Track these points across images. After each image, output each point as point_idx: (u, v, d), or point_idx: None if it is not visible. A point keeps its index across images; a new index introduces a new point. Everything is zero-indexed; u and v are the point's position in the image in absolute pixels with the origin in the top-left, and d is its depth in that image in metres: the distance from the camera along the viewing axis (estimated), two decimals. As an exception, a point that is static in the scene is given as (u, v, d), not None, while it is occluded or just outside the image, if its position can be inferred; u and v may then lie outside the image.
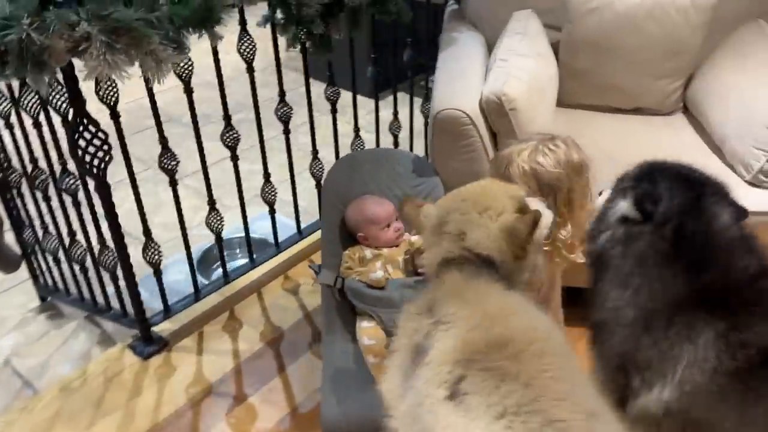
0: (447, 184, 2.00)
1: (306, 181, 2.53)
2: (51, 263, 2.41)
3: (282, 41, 2.08)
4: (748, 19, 2.24)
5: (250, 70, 2.11)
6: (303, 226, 2.58)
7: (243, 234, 2.47)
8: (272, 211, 2.40)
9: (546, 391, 1.01)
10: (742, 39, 2.20)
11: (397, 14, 2.26)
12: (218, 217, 2.20)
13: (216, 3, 1.72)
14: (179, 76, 1.89)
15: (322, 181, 2.44)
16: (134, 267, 2.03)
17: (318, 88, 2.35)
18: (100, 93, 1.75)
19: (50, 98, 1.77)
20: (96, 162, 1.77)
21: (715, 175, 1.33)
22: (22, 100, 1.91)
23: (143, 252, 2.04)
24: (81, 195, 1.96)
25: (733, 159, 1.98)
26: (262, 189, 2.33)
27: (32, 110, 1.92)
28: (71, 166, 1.92)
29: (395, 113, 2.71)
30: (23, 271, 2.54)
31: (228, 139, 2.12)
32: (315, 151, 2.45)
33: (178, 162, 1.98)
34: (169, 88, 1.69)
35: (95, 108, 1.76)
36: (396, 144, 2.78)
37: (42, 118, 1.93)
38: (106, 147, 1.77)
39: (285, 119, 2.27)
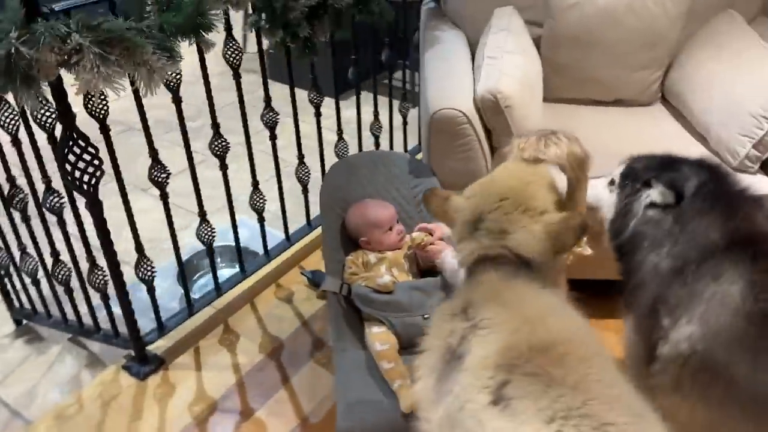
0: (444, 183, 1.99)
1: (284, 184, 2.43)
2: (29, 285, 2.30)
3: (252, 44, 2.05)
4: (721, 9, 2.31)
5: (237, 75, 2.06)
6: (290, 232, 2.54)
7: (222, 243, 2.42)
8: (261, 219, 2.35)
9: (594, 395, 1.01)
10: (716, 29, 2.26)
11: (379, 14, 2.25)
12: (209, 228, 2.14)
13: (207, 8, 1.67)
14: (167, 86, 1.83)
15: (305, 185, 2.45)
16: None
17: (279, 90, 2.27)
18: (89, 106, 1.67)
19: (34, 113, 1.68)
20: (86, 178, 1.70)
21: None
22: (-2, 115, 1.82)
23: (136, 268, 1.97)
24: (66, 213, 1.88)
25: (718, 146, 2.03)
26: (250, 197, 2.28)
27: (10, 127, 1.83)
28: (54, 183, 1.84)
29: (376, 114, 2.69)
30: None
31: (217, 148, 2.06)
32: (300, 156, 2.41)
33: (168, 174, 1.92)
34: (122, 96, 1.60)
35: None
36: (377, 145, 2.76)
37: (22, 134, 1.83)
38: (96, 162, 1.70)
39: (271, 125, 2.23)
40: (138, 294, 2.09)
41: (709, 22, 2.31)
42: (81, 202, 1.77)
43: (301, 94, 2.28)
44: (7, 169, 1.98)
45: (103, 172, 1.71)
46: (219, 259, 2.92)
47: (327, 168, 2.49)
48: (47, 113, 1.68)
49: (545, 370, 1.04)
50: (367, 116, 2.64)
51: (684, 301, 1.34)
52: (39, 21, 1.45)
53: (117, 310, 2.02)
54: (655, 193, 1.42)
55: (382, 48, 2.60)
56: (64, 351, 2.27)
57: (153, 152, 1.87)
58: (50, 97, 1.60)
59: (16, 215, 2.05)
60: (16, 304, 2.45)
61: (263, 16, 1.97)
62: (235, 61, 2.02)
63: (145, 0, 1.64)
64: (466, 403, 1.10)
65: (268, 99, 2.20)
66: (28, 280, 2.27)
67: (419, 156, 2.59)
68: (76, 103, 1.62)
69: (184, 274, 2.16)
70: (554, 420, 0.99)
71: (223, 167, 2.11)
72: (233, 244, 2.45)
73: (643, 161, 1.54)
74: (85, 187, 1.71)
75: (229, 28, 1.97)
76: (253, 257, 2.53)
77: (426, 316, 1.73)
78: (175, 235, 2.06)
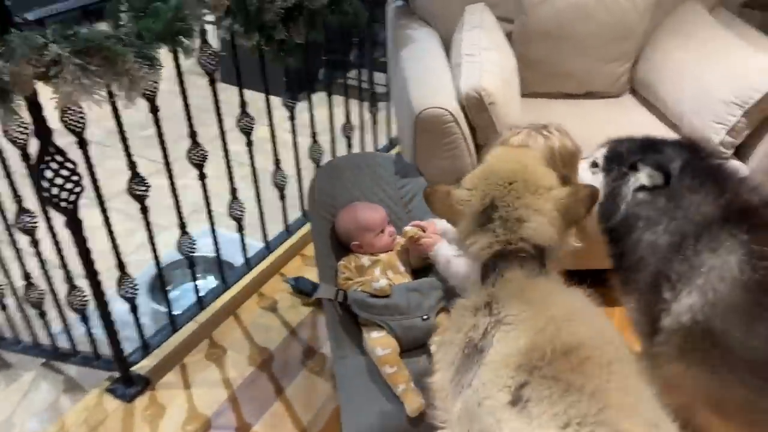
0: (431, 182, 1.97)
1: (246, 190, 2.31)
2: (-5, 310, 2.18)
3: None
4: (685, 1, 2.38)
5: (212, 81, 1.99)
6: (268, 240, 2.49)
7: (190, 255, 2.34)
8: (240, 228, 2.28)
9: (611, 402, 1.00)
10: (681, 20, 2.33)
11: (354, 14, 2.22)
12: (189, 241, 2.07)
13: (187, 13, 1.61)
14: (144, 95, 1.75)
15: (282, 191, 2.40)
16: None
17: (233, 93, 2.13)
18: (66, 120, 1.59)
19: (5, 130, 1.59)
20: (65, 195, 1.61)
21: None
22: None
23: (118, 286, 1.88)
24: (40, 234, 1.78)
25: (692, 134, 2.09)
26: (229, 205, 2.21)
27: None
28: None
29: (347, 114, 2.66)
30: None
31: (194, 156, 1.99)
32: (277, 161, 2.36)
33: (148, 187, 1.84)
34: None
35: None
36: (350, 146, 2.73)
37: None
38: (75, 178, 1.61)
39: (247, 131, 2.17)
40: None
41: (673, 14, 2.37)
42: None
43: (253, 96, 2.16)
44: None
45: (82, 189, 1.63)
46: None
47: (302, 172, 2.49)
48: (20, 128, 1.58)
49: (564, 375, 1.03)
50: (327, 117, 2.56)
51: (684, 275, 1.38)
52: (12, 32, 1.36)
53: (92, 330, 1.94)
54: (643, 176, 1.46)
55: (342, 48, 2.57)
56: (38, 377, 2.17)
57: (132, 165, 1.79)
58: (24, 112, 1.51)
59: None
60: (-21, 331, 2.32)
61: (237, 19, 1.91)
62: (210, 66, 1.96)
63: (119, 7, 1.58)
64: (485, 400, 1.09)
65: (243, 104, 2.14)
66: (-6, 305, 2.16)
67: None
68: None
69: (166, 290, 2.08)
70: (569, 426, 0.99)
71: (202, 176, 2.04)
72: (205, 254, 2.38)
73: (625, 144, 1.58)
74: (64, 204, 1.62)
75: (203, 32, 1.91)
76: (228, 267, 2.46)
77: (425, 317, 1.72)
78: (156, 249, 1.98)
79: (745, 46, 2.13)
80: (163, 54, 1.60)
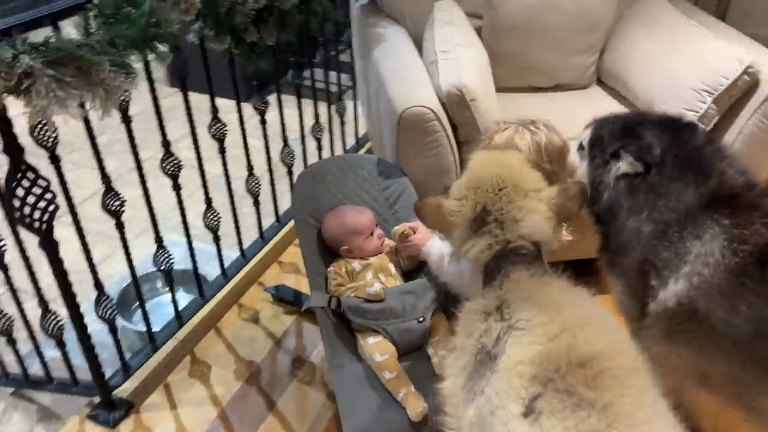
0: (415, 182, 1.96)
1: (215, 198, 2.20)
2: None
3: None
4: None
5: (184, 88, 1.91)
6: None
7: (153, 268, 2.16)
8: (216, 239, 2.20)
9: (622, 417, 1.00)
10: (645, 10, 2.37)
11: (323, 14, 2.18)
12: (166, 255, 1.98)
13: (163, 18, 1.53)
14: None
15: (256, 197, 2.33)
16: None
17: (180, 97, 1.97)
18: (38, 135, 1.49)
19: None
20: (38, 215, 1.52)
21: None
22: None
23: (96, 307, 1.79)
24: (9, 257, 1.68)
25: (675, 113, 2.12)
26: (204, 215, 2.13)
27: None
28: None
29: (316, 116, 2.61)
30: None
31: (169, 167, 1.91)
32: (250, 167, 2.29)
33: (123, 201, 1.75)
34: (15, 115, 1.41)
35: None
36: (320, 148, 2.68)
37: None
38: (49, 196, 1.52)
39: (220, 137, 2.09)
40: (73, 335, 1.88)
41: (635, 4, 2.41)
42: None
43: (201, 98, 2.03)
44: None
45: (57, 207, 1.53)
46: (159, 283, 2.75)
47: (274, 176, 2.42)
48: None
49: (578, 388, 1.02)
50: (292, 119, 2.46)
51: (670, 263, 1.41)
52: (-22, 44, 1.27)
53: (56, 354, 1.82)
54: (623, 165, 1.47)
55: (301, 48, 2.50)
56: (9, 408, 2.05)
57: (106, 179, 1.70)
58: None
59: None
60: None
61: (207, 22, 1.84)
62: (181, 73, 1.88)
63: (87, 13, 1.49)
64: (498, 409, 1.08)
65: (215, 110, 2.06)
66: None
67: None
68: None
69: (145, 307, 1.99)
70: None
71: (177, 187, 1.96)
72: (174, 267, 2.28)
73: (607, 127, 1.58)
74: (37, 224, 1.53)
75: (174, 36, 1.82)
76: (200, 279, 2.37)
77: (421, 319, 1.70)
78: (133, 266, 1.89)
79: (708, 34, 2.18)
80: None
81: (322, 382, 1.99)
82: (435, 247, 1.74)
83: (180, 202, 1.99)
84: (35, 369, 2.01)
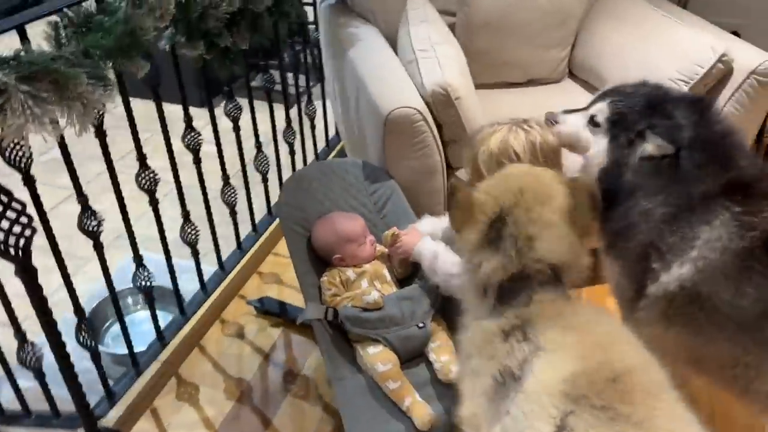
0: (402, 184, 1.92)
1: (170, 209, 2.07)
2: None
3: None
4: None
5: (157, 98, 1.82)
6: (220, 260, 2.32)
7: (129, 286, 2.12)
8: (195, 253, 2.11)
9: (657, 431, 0.99)
10: (613, 2, 2.39)
11: (296, 15, 2.11)
12: (146, 274, 1.89)
13: (138, 26, 1.44)
14: (89, 119, 1.56)
15: (233, 208, 2.25)
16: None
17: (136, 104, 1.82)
18: (9, 155, 1.39)
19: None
20: (13, 241, 1.41)
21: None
22: None
23: (77, 333, 1.68)
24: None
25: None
26: (181, 228, 2.04)
27: None
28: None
29: (288, 120, 2.54)
30: None
31: (144, 181, 1.82)
32: (226, 177, 2.20)
33: (100, 221, 1.65)
34: None
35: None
36: (292, 152, 2.61)
37: None
38: (25, 220, 1.41)
39: (195, 148, 2.00)
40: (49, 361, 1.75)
41: (603, -3, 2.43)
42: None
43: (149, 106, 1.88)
44: None
45: (34, 231, 1.43)
46: (130, 302, 2.63)
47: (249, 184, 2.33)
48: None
49: (612, 404, 1.00)
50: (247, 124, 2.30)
51: (675, 247, 1.40)
52: (-54, 60, 1.17)
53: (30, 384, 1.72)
54: (651, 147, 1.42)
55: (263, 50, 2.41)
56: (-19, 448, 1.91)
57: (82, 199, 1.60)
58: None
59: None
60: None
61: (179, 28, 1.76)
62: (153, 82, 1.79)
63: (58, 24, 1.40)
64: (527, 429, 1.05)
65: (188, 119, 1.97)
66: None
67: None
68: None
69: (126, 330, 1.89)
70: None
71: (154, 202, 1.86)
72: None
73: (629, 102, 1.52)
74: (13, 251, 1.42)
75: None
76: (170, 296, 2.27)
77: (421, 325, 1.66)
78: (113, 287, 1.79)
79: (677, 23, 2.21)
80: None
81: (317, 395, 1.93)
82: (426, 247, 1.70)
83: (158, 217, 1.90)
84: (8, 401, 1.88)
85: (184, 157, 2.00)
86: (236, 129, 2.20)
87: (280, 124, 2.49)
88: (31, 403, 1.85)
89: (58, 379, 1.69)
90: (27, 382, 1.83)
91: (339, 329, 1.70)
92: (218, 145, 2.13)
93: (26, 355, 1.64)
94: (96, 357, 1.75)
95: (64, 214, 1.87)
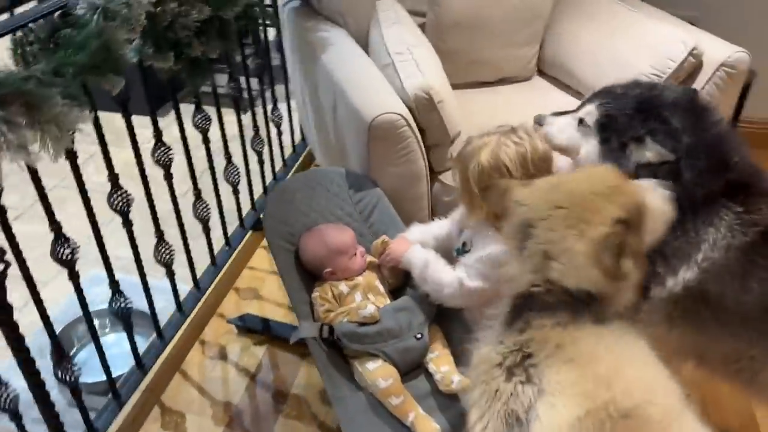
0: (387, 190, 1.87)
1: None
2: None
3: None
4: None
5: (126, 114, 1.71)
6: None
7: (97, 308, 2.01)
8: (170, 273, 2.01)
9: None
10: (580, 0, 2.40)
11: (266, 20, 2.03)
12: (124, 300, 1.78)
13: (112, 39, 1.35)
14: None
15: (206, 223, 2.15)
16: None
17: None
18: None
19: None
20: (-15, 278, 1.30)
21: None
22: None
23: (55, 370, 1.57)
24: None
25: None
26: (155, 248, 1.93)
27: None
28: None
29: (256, 128, 2.45)
30: None
31: (117, 202, 1.71)
32: (197, 191, 2.10)
33: (75, 248, 1.54)
34: None
35: None
36: (261, 161, 2.52)
37: None
38: (-3, 255, 1.30)
39: (166, 164, 1.90)
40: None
41: (568, -6, 2.43)
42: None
43: (107, 117, 1.69)
44: None
45: (8, 265, 1.32)
46: (97, 324, 2.49)
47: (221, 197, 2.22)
48: None
49: None
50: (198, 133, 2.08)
51: (681, 251, 1.40)
52: None
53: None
54: (651, 154, 1.41)
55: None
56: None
57: (55, 226, 1.49)
58: None
59: None
60: None
61: (148, 39, 1.66)
62: (122, 96, 1.68)
63: (22, 40, 1.29)
64: None
65: (158, 133, 1.87)
66: None
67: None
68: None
69: (106, 361, 1.78)
70: None
71: (127, 224, 1.76)
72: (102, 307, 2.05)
73: (618, 104, 1.50)
74: (-14, 288, 1.31)
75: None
76: (140, 318, 2.16)
77: (418, 336, 1.62)
78: (89, 314, 1.68)
79: (646, 18, 2.23)
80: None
81: (311, 414, 1.87)
82: (417, 255, 1.66)
83: (132, 239, 1.79)
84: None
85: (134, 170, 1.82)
86: (206, 141, 2.10)
87: (231, 131, 2.32)
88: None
89: (34, 415, 1.59)
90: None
91: (334, 346, 1.64)
92: (189, 158, 2.03)
93: (1, 398, 1.52)
94: (77, 394, 1.63)
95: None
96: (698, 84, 2.07)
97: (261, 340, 2.09)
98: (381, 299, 1.71)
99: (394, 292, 1.78)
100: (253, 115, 2.45)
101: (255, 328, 2.12)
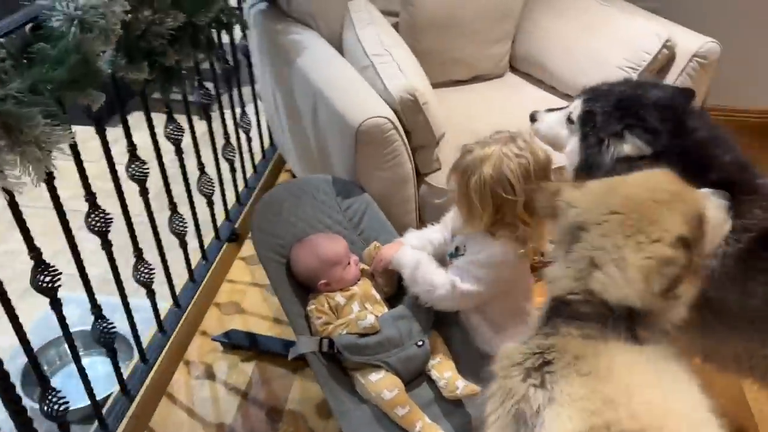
0: (374, 195, 1.83)
1: (87, 241, 1.68)
2: None
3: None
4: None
5: (101, 131, 1.62)
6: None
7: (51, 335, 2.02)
8: (151, 293, 1.92)
9: None
10: (548, -4, 2.40)
11: (242, 26, 1.96)
12: (109, 326, 1.69)
13: (90, 51, 1.27)
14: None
15: (182, 238, 2.06)
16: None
17: None
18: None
19: None
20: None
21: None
22: None
23: (41, 403, 1.48)
24: None
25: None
26: (134, 268, 1.84)
27: None
28: None
29: (226, 137, 2.37)
30: None
31: (95, 223, 1.62)
32: (173, 205, 2.02)
33: (56, 275, 1.45)
34: None
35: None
36: (233, 170, 2.44)
37: None
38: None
39: (141, 178, 1.81)
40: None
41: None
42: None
43: None
44: None
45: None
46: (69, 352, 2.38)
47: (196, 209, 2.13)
48: None
49: None
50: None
51: None
52: None
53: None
54: (628, 147, 1.41)
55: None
56: None
57: (35, 253, 1.39)
58: None
59: None
60: None
61: (121, 50, 1.57)
62: (97, 114, 1.59)
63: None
64: None
65: (132, 148, 1.78)
66: None
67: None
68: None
69: (92, 392, 1.68)
70: None
71: (106, 246, 1.67)
72: (83, 328, 1.95)
73: (598, 101, 1.51)
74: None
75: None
76: (120, 341, 2.05)
77: (420, 343, 1.60)
78: (71, 339, 1.58)
79: (617, 12, 2.25)
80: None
81: (308, 429, 1.81)
82: (407, 256, 1.63)
83: (112, 260, 1.70)
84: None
85: (101, 184, 1.68)
86: (179, 152, 2.02)
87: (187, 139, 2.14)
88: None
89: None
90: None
91: (333, 359, 1.60)
92: (162, 170, 1.94)
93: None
94: (65, 427, 1.54)
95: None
96: (671, 75, 2.11)
97: (249, 356, 2.02)
98: (378, 308, 1.67)
99: (389, 300, 1.75)
100: (223, 122, 2.37)
101: (242, 344, 2.04)
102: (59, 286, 1.46)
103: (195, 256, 2.25)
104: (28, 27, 1.26)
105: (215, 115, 2.30)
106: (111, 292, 1.82)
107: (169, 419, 1.85)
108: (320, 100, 1.88)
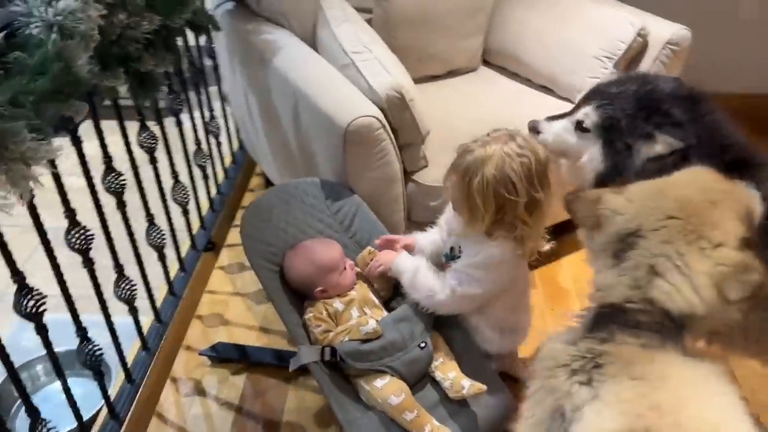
0: (363, 196, 1.80)
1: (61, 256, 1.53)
2: None
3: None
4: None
5: (77, 142, 1.53)
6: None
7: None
8: (134, 311, 1.83)
9: None
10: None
11: (215, 26, 1.88)
12: (94, 349, 1.60)
13: (71, 58, 1.18)
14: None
15: (161, 250, 1.98)
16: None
17: None
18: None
19: None
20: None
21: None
22: None
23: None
24: None
25: (570, 92, 2.16)
26: (115, 284, 1.75)
27: None
28: None
29: (198, 143, 2.29)
30: None
31: (75, 240, 1.52)
32: (150, 216, 1.93)
33: (41, 298, 1.36)
34: None
35: None
36: (206, 176, 2.36)
37: None
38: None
39: (118, 191, 1.72)
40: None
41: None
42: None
43: None
44: None
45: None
46: (42, 374, 2.25)
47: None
48: None
49: None
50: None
51: None
52: None
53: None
54: (660, 146, 1.39)
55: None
56: None
57: (18, 277, 1.30)
58: None
59: None
60: None
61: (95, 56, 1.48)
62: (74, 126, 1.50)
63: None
64: None
65: (108, 159, 1.69)
66: None
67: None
68: None
69: (81, 418, 1.59)
70: None
71: (88, 263, 1.58)
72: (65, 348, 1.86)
73: (619, 105, 1.48)
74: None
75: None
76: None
77: (422, 345, 1.58)
78: (63, 375, 1.49)
79: (589, 2, 2.26)
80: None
81: (310, 440, 1.77)
82: (406, 262, 1.61)
83: (94, 278, 1.61)
84: None
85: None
86: (153, 161, 1.93)
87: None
88: None
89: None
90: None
91: (334, 366, 1.55)
92: (138, 182, 1.85)
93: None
94: (55, 461, 1.45)
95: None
96: (645, 63, 2.13)
97: (238, 368, 1.95)
98: (377, 312, 1.64)
99: (386, 303, 1.71)
100: (194, 128, 2.29)
101: (230, 357, 1.97)
102: (45, 310, 1.37)
103: (173, 268, 2.17)
104: (0, 35, 1.18)
105: (184, 118, 2.21)
106: (82, 309, 1.64)
107: (161, 441, 1.77)
108: (302, 100, 1.83)
